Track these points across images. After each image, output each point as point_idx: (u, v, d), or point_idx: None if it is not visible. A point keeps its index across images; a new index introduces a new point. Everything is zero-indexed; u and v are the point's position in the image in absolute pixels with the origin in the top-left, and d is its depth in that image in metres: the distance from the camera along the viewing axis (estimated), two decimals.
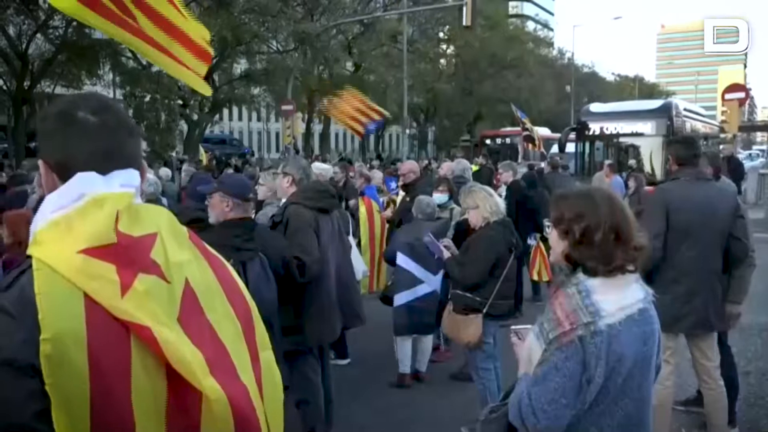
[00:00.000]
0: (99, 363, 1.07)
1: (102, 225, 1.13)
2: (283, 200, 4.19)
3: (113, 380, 1.09)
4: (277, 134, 45.29)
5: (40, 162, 1.25)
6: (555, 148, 19.26)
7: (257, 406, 1.25)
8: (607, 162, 11.77)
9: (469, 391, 4.91)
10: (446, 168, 8.10)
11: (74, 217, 1.14)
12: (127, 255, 1.14)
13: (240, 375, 1.23)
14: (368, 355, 6.00)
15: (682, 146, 3.99)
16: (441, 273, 5.13)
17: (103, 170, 1.21)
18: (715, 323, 3.87)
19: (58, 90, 24.54)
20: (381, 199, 8.25)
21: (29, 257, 1.13)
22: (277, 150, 42.41)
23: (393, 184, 9.64)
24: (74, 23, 20.53)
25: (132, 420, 1.11)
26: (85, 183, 1.18)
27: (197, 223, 3.36)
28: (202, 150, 17.38)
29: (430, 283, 5.14)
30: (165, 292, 1.17)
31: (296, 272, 3.68)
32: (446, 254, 4.52)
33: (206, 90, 4.53)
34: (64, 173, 1.21)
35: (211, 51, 4.00)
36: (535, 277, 7.79)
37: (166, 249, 1.20)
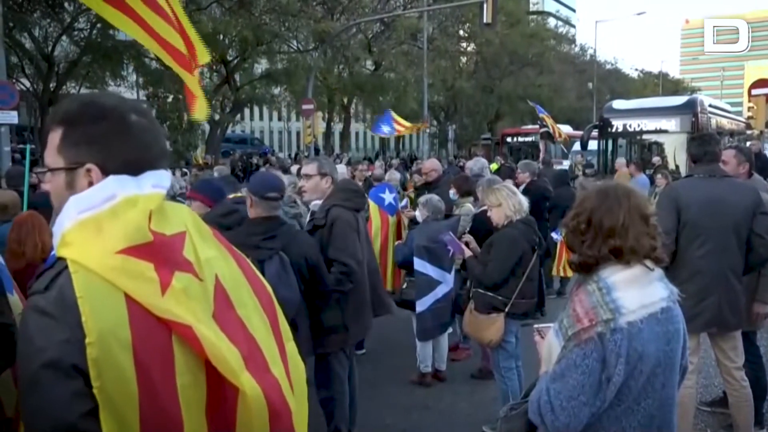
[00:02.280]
0: (144, 363, 1.09)
1: (137, 224, 1.14)
2: (314, 201, 4.18)
3: (159, 379, 1.10)
4: (298, 133, 45.49)
5: (90, 167, 1.20)
6: (577, 146, 19.07)
7: (288, 398, 1.27)
8: (619, 160, 11.67)
9: (490, 389, 4.89)
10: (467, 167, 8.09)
11: (104, 217, 1.14)
12: (163, 253, 1.15)
13: (271, 368, 1.25)
14: (387, 354, 6.00)
15: (695, 143, 3.95)
16: (453, 269, 5.15)
17: (137, 172, 1.21)
18: (732, 322, 3.78)
19: (83, 91, 24.91)
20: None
21: (61, 258, 1.13)
22: (298, 148, 42.61)
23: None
24: (99, 25, 20.87)
25: (180, 416, 1.13)
26: (118, 185, 1.18)
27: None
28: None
29: (447, 282, 5.15)
30: (199, 290, 1.18)
31: (324, 277, 3.67)
32: (468, 253, 4.50)
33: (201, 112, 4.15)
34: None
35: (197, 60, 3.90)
36: (562, 273, 7.76)
37: (196, 247, 1.21)
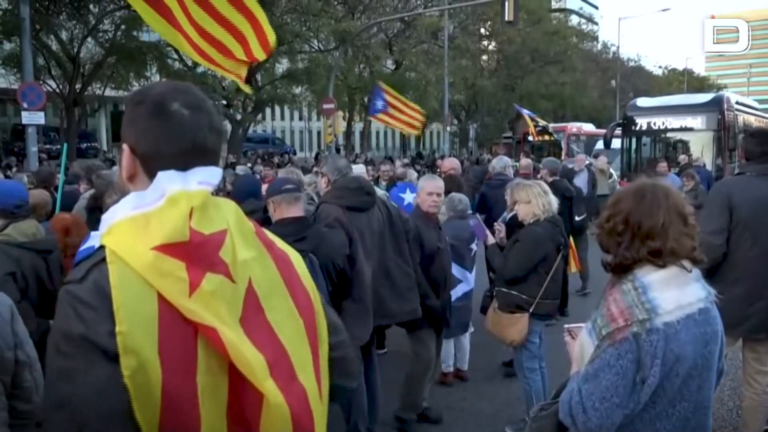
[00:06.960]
0: (168, 360, 1.08)
1: (176, 222, 1.13)
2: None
3: (181, 378, 1.10)
4: (319, 133, 45.69)
5: (124, 146, 1.23)
6: (600, 144, 18.84)
7: (314, 405, 1.25)
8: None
9: (513, 390, 4.85)
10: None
11: (153, 215, 1.15)
12: (198, 253, 1.14)
13: (299, 376, 1.23)
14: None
15: (752, 140, 3.77)
16: (474, 270, 5.17)
17: (185, 166, 1.19)
18: None
19: (108, 92, 25.33)
20: None
21: (101, 247, 1.14)
22: (319, 148, 42.78)
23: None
24: (123, 27, 21.17)
25: (198, 418, 1.12)
26: (166, 182, 1.18)
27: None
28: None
29: (468, 281, 5.16)
30: (230, 292, 1.17)
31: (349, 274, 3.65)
32: (491, 240, 4.52)
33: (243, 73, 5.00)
34: (149, 165, 1.20)
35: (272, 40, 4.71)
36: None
37: (235, 247, 1.20)
